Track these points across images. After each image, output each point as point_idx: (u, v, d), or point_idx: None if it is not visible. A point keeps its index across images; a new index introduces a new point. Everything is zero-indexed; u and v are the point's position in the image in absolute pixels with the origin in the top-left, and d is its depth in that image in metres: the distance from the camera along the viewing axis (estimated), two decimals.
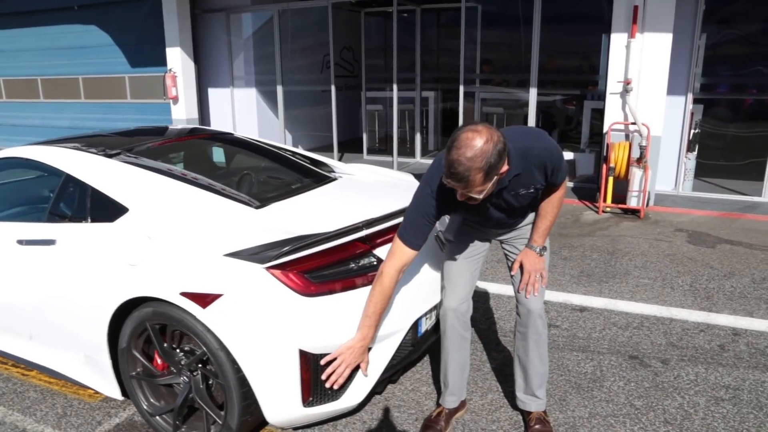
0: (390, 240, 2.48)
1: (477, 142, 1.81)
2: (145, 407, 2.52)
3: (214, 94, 10.07)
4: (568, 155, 7.59)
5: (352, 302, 2.23)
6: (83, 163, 2.83)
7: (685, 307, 3.74)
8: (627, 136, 6.14)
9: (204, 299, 2.14)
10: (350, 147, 10.60)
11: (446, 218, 2.67)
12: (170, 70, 9.39)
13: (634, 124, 6.02)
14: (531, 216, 2.40)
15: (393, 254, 2.17)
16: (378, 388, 2.69)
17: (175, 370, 2.42)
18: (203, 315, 2.15)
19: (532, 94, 7.28)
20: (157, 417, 2.50)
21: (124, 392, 2.63)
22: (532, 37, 7.10)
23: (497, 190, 2.06)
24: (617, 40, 6.03)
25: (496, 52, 10.03)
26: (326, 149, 10.57)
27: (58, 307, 2.64)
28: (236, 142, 3.76)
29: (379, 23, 10.75)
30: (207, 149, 3.72)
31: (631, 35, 5.90)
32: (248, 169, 3.52)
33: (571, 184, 7.34)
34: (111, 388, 2.63)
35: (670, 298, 3.88)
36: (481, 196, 1.92)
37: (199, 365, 2.34)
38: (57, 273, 2.62)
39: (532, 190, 2.13)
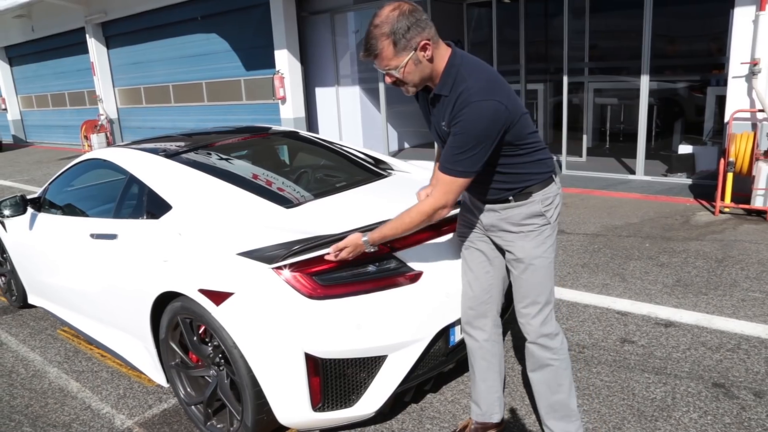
0: (415, 242, 2.36)
1: (384, 11, 1.80)
2: (182, 396, 2.63)
3: (320, 93, 10.40)
4: (686, 148, 6.77)
5: (364, 307, 2.13)
6: (144, 164, 3.02)
7: None
8: (753, 126, 5.32)
9: (218, 297, 2.17)
10: None
11: None
12: (278, 71, 9.86)
13: (762, 111, 5.19)
14: (502, 197, 2.02)
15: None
16: (407, 397, 2.59)
17: (205, 364, 2.49)
18: (217, 312, 2.18)
19: (644, 82, 6.58)
20: (192, 407, 2.59)
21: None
22: (643, 19, 6.40)
23: (430, 101, 1.95)
24: (742, 14, 5.23)
25: (606, 38, 9.25)
26: (430, 146, 10.48)
27: (115, 296, 2.85)
28: (302, 140, 3.81)
29: (484, 15, 10.41)
30: (272, 148, 3.80)
31: (761, 7, 5.08)
32: (307, 167, 3.55)
33: (689, 181, 6.54)
34: (158, 375, 2.79)
35: None
36: (399, 74, 1.84)
37: (222, 360, 2.38)
38: (115, 265, 2.82)
39: (444, 128, 1.91)
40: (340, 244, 2.07)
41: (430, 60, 1.85)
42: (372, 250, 2.09)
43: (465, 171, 1.84)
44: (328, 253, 2.11)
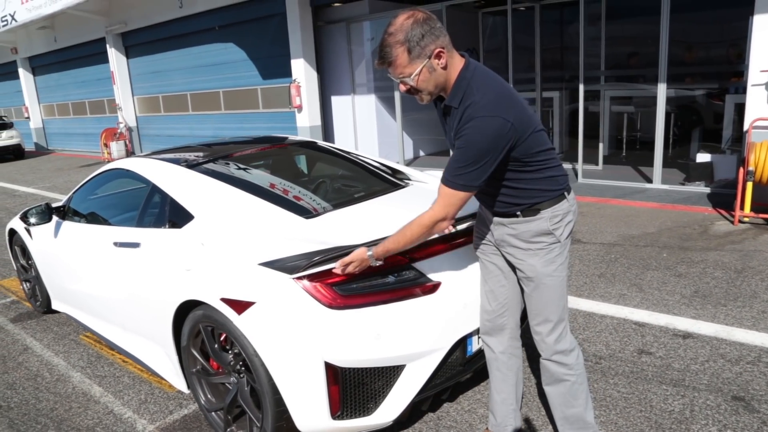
0: (433, 253, 2.38)
1: (399, 19, 1.81)
2: (203, 402, 2.68)
3: (336, 101, 10.49)
4: (704, 157, 6.72)
5: (383, 316, 2.16)
6: (166, 174, 3.09)
7: None
8: None
9: (239, 306, 2.22)
10: None
11: None
12: (295, 80, 9.97)
13: None
14: (510, 211, 2.02)
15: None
16: (425, 406, 2.61)
17: (226, 371, 2.53)
18: (239, 321, 2.22)
19: (661, 90, 6.55)
20: (213, 413, 2.64)
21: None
22: (660, 27, 6.38)
23: (443, 111, 1.97)
24: (762, 21, 5.20)
25: (623, 45, 9.21)
26: (445, 154, 10.50)
27: (137, 304, 2.92)
28: (320, 150, 3.86)
29: (499, 23, 10.45)
30: (291, 158, 3.86)
31: None
32: (325, 177, 3.59)
33: (707, 190, 6.48)
34: (179, 381, 2.84)
35: None
36: (413, 82, 1.86)
37: (243, 368, 2.43)
38: (138, 272, 2.89)
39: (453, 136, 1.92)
40: (346, 259, 2.08)
41: (444, 68, 1.85)
42: (377, 264, 2.09)
43: (466, 185, 1.84)
44: (334, 268, 2.13)
